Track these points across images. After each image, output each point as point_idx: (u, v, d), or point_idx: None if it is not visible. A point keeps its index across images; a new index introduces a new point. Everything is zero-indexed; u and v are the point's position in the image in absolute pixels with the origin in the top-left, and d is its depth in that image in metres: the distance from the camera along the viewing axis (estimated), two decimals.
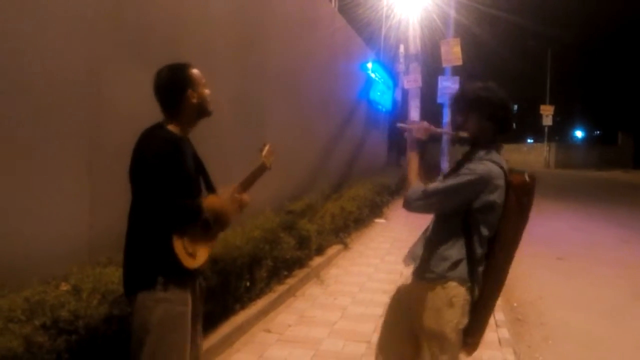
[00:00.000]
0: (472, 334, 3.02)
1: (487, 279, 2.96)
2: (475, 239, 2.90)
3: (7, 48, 3.59)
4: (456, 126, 3.09)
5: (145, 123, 2.88)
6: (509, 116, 3.02)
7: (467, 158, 3.02)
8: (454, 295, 2.89)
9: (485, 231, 2.90)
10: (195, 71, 2.95)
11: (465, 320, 2.95)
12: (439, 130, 3.25)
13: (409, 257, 3.18)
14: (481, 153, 2.96)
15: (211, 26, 6.34)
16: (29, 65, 3.77)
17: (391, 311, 3.26)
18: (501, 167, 2.91)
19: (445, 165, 17.39)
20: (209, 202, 2.88)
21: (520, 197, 2.90)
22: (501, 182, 2.88)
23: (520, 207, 2.90)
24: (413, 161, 3.10)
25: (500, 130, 3.01)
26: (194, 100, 2.90)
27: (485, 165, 2.88)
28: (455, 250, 2.91)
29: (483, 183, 2.84)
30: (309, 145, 10.71)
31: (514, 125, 3.07)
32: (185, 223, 2.79)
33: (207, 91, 2.98)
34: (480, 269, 2.94)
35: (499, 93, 3.00)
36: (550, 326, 5.96)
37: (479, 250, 2.91)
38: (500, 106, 2.97)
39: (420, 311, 2.96)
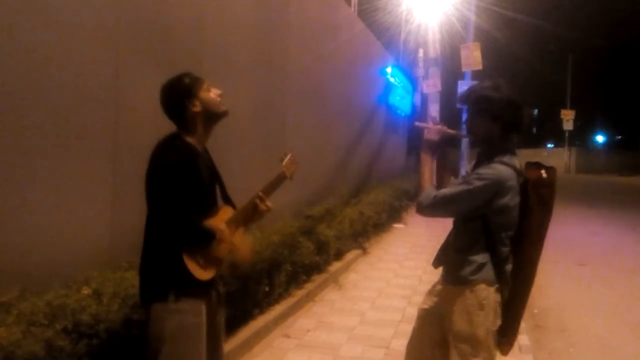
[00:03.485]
0: (505, 333, 3.01)
1: (516, 277, 2.95)
2: (497, 240, 2.90)
3: (33, 57, 3.65)
4: (467, 128, 3.06)
5: (165, 127, 2.90)
6: (519, 115, 2.91)
7: (479, 162, 3.01)
8: (484, 298, 2.89)
9: (504, 233, 2.90)
10: (190, 79, 2.87)
11: (497, 322, 2.95)
12: (452, 132, 3.19)
13: (437, 260, 3.20)
14: (492, 156, 2.92)
15: (230, 32, 6.36)
16: (54, 72, 3.81)
17: (421, 317, 3.25)
18: (513, 167, 2.87)
19: (464, 170, 17.36)
20: (224, 234, 2.86)
21: (538, 190, 2.85)
22: (513, 182, 2.84)
23: (541, 200, 2.85)
24: (426, 164, 3.08)
25: (509, 131, 2.92)
26: (196, 109, 2.83)
27: (494, 169, 2.85)
28: (479, 254, 2.91)
29: (494, 188, 2.82)
30: (329, 150, 10.71)
31: (528, 125, 3.01)
32: (197, 246, 2.79)
33: (212, 94, 2.89)
34: (508, 267, 2.93)
35: (506, 91, 2.89)
36: (571, 333, 5.90)
37: (503, 249, 2.91)
38: (507, 104, 2.86)
39: (451, 315, 2.96)
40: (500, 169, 2.84)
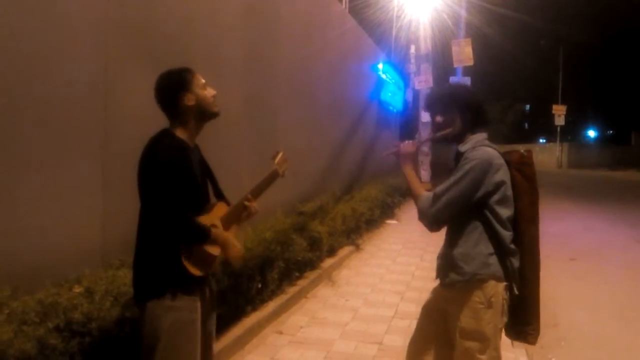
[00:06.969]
0: (528, 321, 3.05)
1: (524, 260, 2.97)
2: (497, 225, 2.90)
3: (18, 55, 3.62)
4: (437, 127, 3.18)
5: (156, 128, 2.88)
6: (483, 106, 3.15)
7: (460, 152, 3.07)
8: (493, 295, 2.89)
9: (503, 211, 2.92)
10: (190, 73, 2.88)
11: (504, 319, 2.97)
12: (424, 139, 3.34)
13: (439, 269, 3.18)
14: (473, 142, 3.04)
15: (221, 28, 6.35)
16: (40, 72, 3.79)
17: (425, 314, 3.26)
18: (496, 150, 3.01)
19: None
20: (218, 232, 2.85)
21: (522, 170, 2.99)
22: (501, 161, 2.95)
23: (526, 178, 2.99)
24: (410, 174, 3.18)
25: (479, 123, 3.13)
26: (191, 103, 2.83)
27: (481, 150, 2.96)
28: (482, 245, 2.92)
29: (486, 165, 2.89)
30: (320, 146, 10.71)
31: (487, 116, 3.20)
32: (191, 243, 2.78)
33: (207, 92, 2.90)
34: (515, 261, 2.94)
35: (468, 88, 3.25)
36: (563, 327, 5.92)
37: (505, 234, 2.91)
38: (473, 98, 3.12)
39: (458, 313, 2.95)
40: (487, 150, 2.96)
